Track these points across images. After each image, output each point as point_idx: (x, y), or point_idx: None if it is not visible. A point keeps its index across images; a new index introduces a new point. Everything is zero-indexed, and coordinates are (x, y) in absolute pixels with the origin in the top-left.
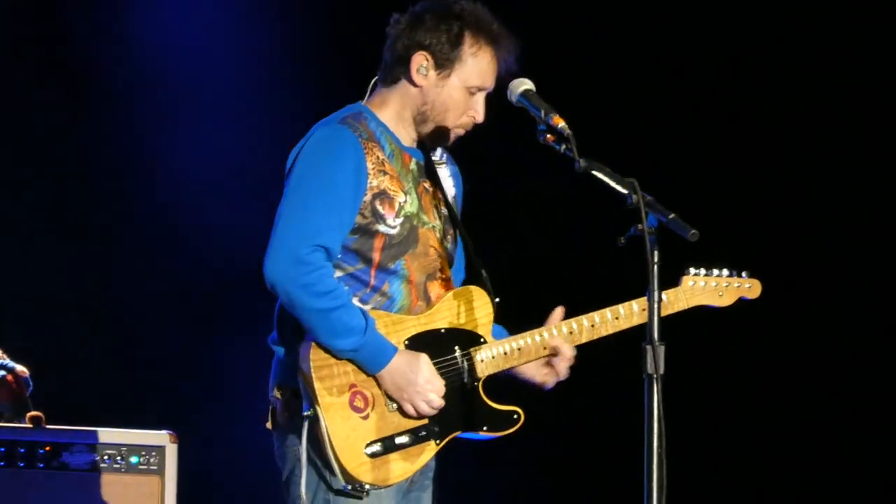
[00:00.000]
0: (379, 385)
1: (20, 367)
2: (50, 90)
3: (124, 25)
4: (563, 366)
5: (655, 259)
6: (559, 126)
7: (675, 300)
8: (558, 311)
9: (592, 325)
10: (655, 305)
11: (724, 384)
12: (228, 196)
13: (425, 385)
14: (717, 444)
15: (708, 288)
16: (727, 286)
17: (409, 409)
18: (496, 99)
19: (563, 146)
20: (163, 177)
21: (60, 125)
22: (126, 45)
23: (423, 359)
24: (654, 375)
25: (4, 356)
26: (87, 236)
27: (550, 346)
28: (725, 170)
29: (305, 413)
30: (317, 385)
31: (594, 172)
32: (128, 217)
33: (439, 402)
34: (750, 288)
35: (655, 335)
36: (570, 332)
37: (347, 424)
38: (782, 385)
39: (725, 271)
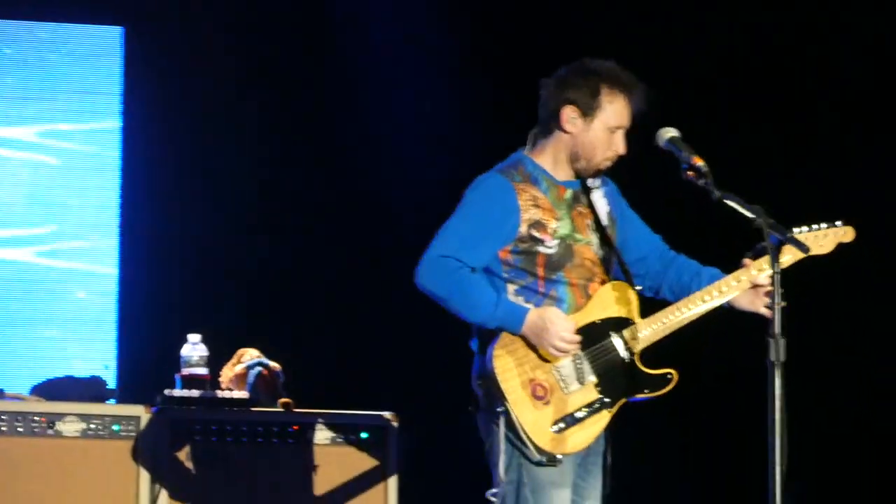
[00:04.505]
0: (540, 358)
1: (274, 364)
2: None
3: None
4: (762, 297)
5: (777, 269)
6: (699, 165)
7: (787, 253)
8: (747, 260)
9: (720, 292)
10: (777, 306)
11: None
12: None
13: (557, 327)
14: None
15: (810, 238)
16: (825, 236)
17: (553, 351)
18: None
19: (703, 181)
20: (394, 182)
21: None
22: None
23: (552, 310)
24: (776, 362)
25: (262, 355)
26: (324, 241)
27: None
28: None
29: (499, 410)
30: (503, 387)
31: (727, 201)
32: (358, 221)
33: (572, 337)
34: (845, 234)
35: (777, 328)
36: (708, 297)
37: (534, 412)
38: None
39: (823, 224)
